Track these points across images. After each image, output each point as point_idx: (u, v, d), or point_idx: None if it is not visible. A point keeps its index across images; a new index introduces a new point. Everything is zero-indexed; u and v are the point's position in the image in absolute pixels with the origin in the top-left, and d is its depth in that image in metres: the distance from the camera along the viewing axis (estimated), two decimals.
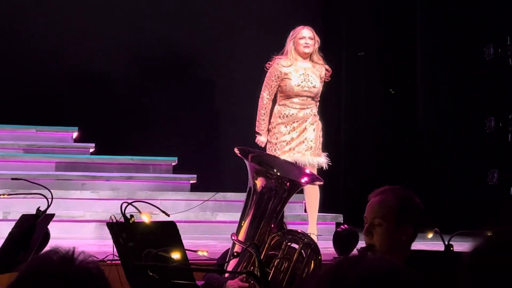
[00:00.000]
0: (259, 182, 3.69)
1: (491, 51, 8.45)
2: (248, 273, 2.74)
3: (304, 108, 6.35)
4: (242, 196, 6.50)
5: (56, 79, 8.99)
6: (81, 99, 9.04)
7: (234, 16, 9.45)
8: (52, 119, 8.69)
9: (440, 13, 9.11)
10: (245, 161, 3.74)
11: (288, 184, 3.68)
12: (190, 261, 3.45)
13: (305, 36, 6.30)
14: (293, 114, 6.33)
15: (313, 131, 6.36)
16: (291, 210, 7.34)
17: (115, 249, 3.50)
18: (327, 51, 9.55)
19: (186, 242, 3.52)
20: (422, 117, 9.39)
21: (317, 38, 6.38)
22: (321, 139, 6.43)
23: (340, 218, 7.45)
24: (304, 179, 3.77)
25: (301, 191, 6.40)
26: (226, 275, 3.52)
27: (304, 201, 7.42)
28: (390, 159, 9.41)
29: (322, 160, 6.36)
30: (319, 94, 6.44)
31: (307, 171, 3.78)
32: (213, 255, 4.27)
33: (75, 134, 8.70)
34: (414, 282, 1.23)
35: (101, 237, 6.52)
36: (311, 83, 6.32)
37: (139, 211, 3.58)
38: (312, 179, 3.77)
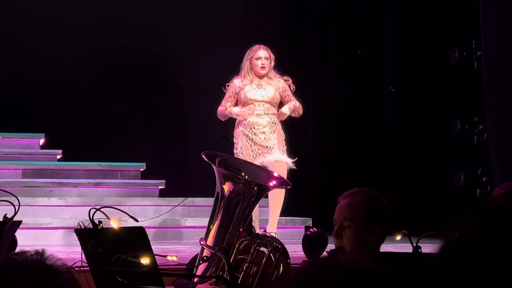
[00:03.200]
0: (227, 187, 3.68)
1: (456, 54, 8.55)
2: (218, 277, 2.74)
3: (260, 115, 6.45)
4: (211, 201, 6.49)
5: (22, 85, 8.91)
6: (48, 106, 8.97)
7: (201, 20, 9.44)
8: (18, 125, 8.61)
9: (407, 16, 9.20)
10: (212, 165, 3.73)
11: (256, 188, 3.67)
12: (159, 266, 3.44)
13: (261, 57, 6.49)
14: (250, 121, 6.44)
15: (276, 138, 6.45)
16: (260, 214, 7.33)
17: (83, 256, 3.48)
18: (294, 54, 9.62)
19: (156, 248, 3.51)
20: (389, 120, 9.47)
21: (272, 57, 6.56)
22: (284, 144, 6.48)
23: (309, 221, 7.47)
24: (272, 183, 3.77)
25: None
26: (195, 280, 3.51)
27: None
28: (358, 162, 9.46)
29: (288, 159, 6.41)
30: (278, 104, 6.52)
31: (275, 174, 3.78)
32: (183, 260, 4.25)
33: (42, 141, 8.63)
34: (385, 282, 1.24)
35: (69, 244, 6.47)
36: (264, 89, 6.49)
37: (108, 217, 3.56)
38: (281, 183, 3.77)
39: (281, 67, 9.69)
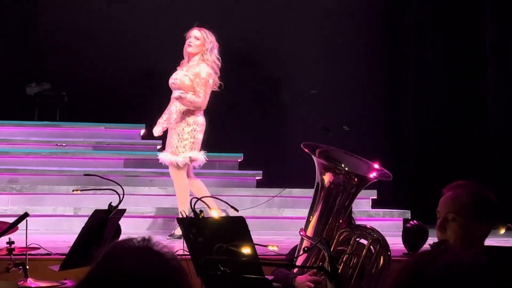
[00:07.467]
0: (327, 178, 3.66)
1: None
2: (319, 268, 2.73)
3: (172, 103, 6.48)
4: (309, 192, 6.50)
5: (124, 78, 9.14)
6: (148, 98, 9.16)
7: (298, 12, 9.43)
8: (120, 116, 8.83)
9: (510, 4, 8.93)
10: (312, 156, 3.73)
11: (356, 179, 3.65)
12: (259, 256, 3.46)
13: (191, 36, 6.46)
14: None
15: (174, 129, 6.42)
16: (357, 206, 7.29)
17: (185, 244, 3.54)
18: (395, 43, 9.47)
19: (253, 238, 3.53)
20: (491, 112, 9.23)
21: (209, 39, 6.44)
22: (186, 136, 6.42)
23: (408, 214, 7.38)
24: (372, 174, 3.74)
25: (369, 187, 6.36)
26: (295, 270, 3.52)
27: (371, 197, 7.38)
28: (458, 154, 9.27)
29: (178, 159, 6.37)
30: (192, 90, 6.38)
31: (376, 166, 3.74)
32: (281, 250, 4.27)
33: (142, 131, 8.82)
34: (497, 276, 1.21)
35: (169, 233, 6.59)
36: (176, 76, 6.44)
37: (209, 207, 3.61)
38: (381, 175, 3.73)
39: (381, 57, 9.59)
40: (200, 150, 6.48)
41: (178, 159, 6.39)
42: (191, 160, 6.42)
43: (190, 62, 6.48)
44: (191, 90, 6.39)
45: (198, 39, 6.43)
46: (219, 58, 6.50)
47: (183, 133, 6.42)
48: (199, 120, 6.45)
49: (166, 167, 8.16)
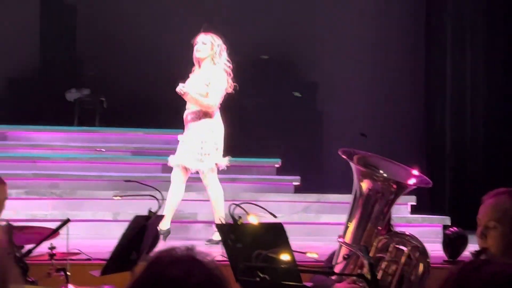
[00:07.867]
0: (365, 184, 3.65)
1: None
2: (359, 275, 2.73)
3: (186, 109, 6.54)
4: (346, 197, 6.48)
5: (162, 83, 9.19)
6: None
7: (336, 16, 9.42)
8: (158, 122, 8.89)
9: None
10: (350, 163, 3.71)
11: (394, 186, 3.62)
12: (297, 263, 3.45)
13: (198, 42, 6.46)
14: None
15: (195, 135, 6.43)
16: (396, 212, 7.25)
17: (223, 250, 3.55)
18: (431, 47, 9.42)
19: (291, 244, 3.52)
20: None
21: (217, 42, 6.45)
22: (207, 144, 6.44)
23: (447, 220, 7.31)
24: (411, 181, 3.71)
25: (408, 193, 6.32)
26: (334, 277, 3.51)
27: (410, 203, 7.34)
28: (498, 160, 9.16)
29: (203, 166, 6.38)
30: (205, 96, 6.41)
31: (415, 172, 3.71)
32: (319, 257, 4.26)
33: (180, 136, 8.85)
34: None
35: (207, 238, 6.60)
36: (189, 83, 6.47)
37: (247, 213, 3.61)
38: (421, 181, 3.70)
39: (418, 60, 9.52)
40: (224, 155, 6.51)
41: (203, 166, 6.41)
42: (216, 165, 6.48)
43: (201, 67, 6.53)
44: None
45: (205, 43, 6.48)
46: (229, 60, 6.55)
47: (205, 139, 6.44)
48: (218, 125, 6.49)
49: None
